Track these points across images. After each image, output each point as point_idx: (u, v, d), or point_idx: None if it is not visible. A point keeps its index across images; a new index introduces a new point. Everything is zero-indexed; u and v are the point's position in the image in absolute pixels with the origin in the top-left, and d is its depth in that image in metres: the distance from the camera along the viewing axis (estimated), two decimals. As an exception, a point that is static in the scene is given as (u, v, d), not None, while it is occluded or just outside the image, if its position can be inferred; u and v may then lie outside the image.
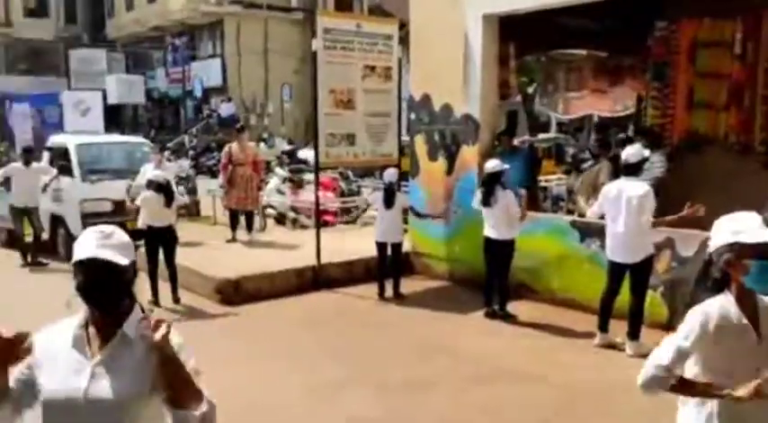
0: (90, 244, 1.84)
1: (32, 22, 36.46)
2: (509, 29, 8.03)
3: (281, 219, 11.95)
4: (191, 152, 23.56)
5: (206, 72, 29.72)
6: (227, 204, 9.97)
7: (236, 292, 7.30)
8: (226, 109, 28.73)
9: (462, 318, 6.82)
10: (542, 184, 10.28)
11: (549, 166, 13.16)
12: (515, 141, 9.53)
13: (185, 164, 15.97)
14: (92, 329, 1.89)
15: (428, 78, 8.32)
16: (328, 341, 6.21)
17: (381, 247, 7.52)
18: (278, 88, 29.18)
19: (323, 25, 7.82)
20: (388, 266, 7.55)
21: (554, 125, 20.58)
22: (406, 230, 8.02)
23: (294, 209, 12.07)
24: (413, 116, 8.68)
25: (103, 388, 1.82)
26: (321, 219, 11.58)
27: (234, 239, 9.57)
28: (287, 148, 23.41)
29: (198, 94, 29.60)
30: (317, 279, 7.89)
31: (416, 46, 8.51)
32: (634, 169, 5.72)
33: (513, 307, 6.78)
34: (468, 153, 7.94)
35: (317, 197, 8.42)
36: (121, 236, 1.91)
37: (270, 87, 29.52)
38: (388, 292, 7.49)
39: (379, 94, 8.35)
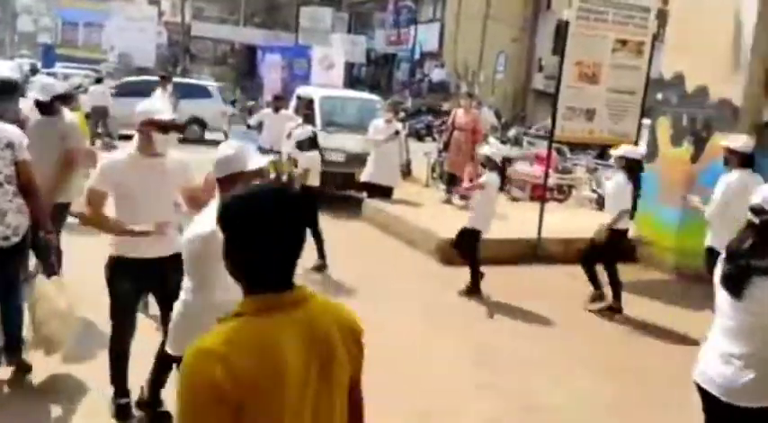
0: None
1: (272, -23, 39.58)
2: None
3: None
4: (401, 114, 24.30)
5: (424, 36, 30.28)
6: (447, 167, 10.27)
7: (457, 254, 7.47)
8: (437, 74, 29.19)
9: (676, 311, 6.46)
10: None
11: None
12: None
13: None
14: None
15: (684, 56, 7.74)
16: (541, 317, 6.19)
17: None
18: (493, 57, 28.93)
19: (580, -7, 7.58)
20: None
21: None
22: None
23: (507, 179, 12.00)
24: (659, 96, 8.17)
25: None
26: (535, 193, 11.51)
27: (448, 201, 9.85)
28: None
29: (416, 56, 30.31)
30: (535, 253, 7.84)
31: (677, 20, 7.95)
32: None
33: None
34: (722, 142, 7.32)
35: (546, 170, 8.31)
36: None
37: (485, 55, 29.35)
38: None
39: (627, 71, 7.93)
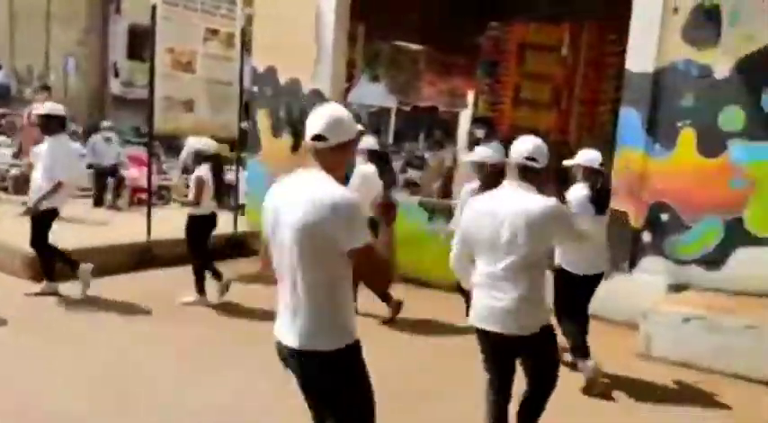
0: None
1: None
2: (358, 11, 8.00)
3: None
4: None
5: (-31, 32, 25.68)
6: (26, 171, 8.71)
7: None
8: (-7, 77, 25.11)
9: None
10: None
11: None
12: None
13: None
14: None
15: (274, 50, 7.96)
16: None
17: None
18: (60, 60, 26.14)
19: (164, -23, 7.11)
20: None
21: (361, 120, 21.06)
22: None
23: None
24: (255, 89, 8.26)
25: None
26: (136, 197, 10.67)
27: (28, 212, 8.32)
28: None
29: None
30: (147, 257, 7.14)
31: (262, 14, 8.12)
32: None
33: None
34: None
35: (149, 169, 7.55)
36: None
37: (51, 58, 26.33)
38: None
39: (222, 61, 7.79)
